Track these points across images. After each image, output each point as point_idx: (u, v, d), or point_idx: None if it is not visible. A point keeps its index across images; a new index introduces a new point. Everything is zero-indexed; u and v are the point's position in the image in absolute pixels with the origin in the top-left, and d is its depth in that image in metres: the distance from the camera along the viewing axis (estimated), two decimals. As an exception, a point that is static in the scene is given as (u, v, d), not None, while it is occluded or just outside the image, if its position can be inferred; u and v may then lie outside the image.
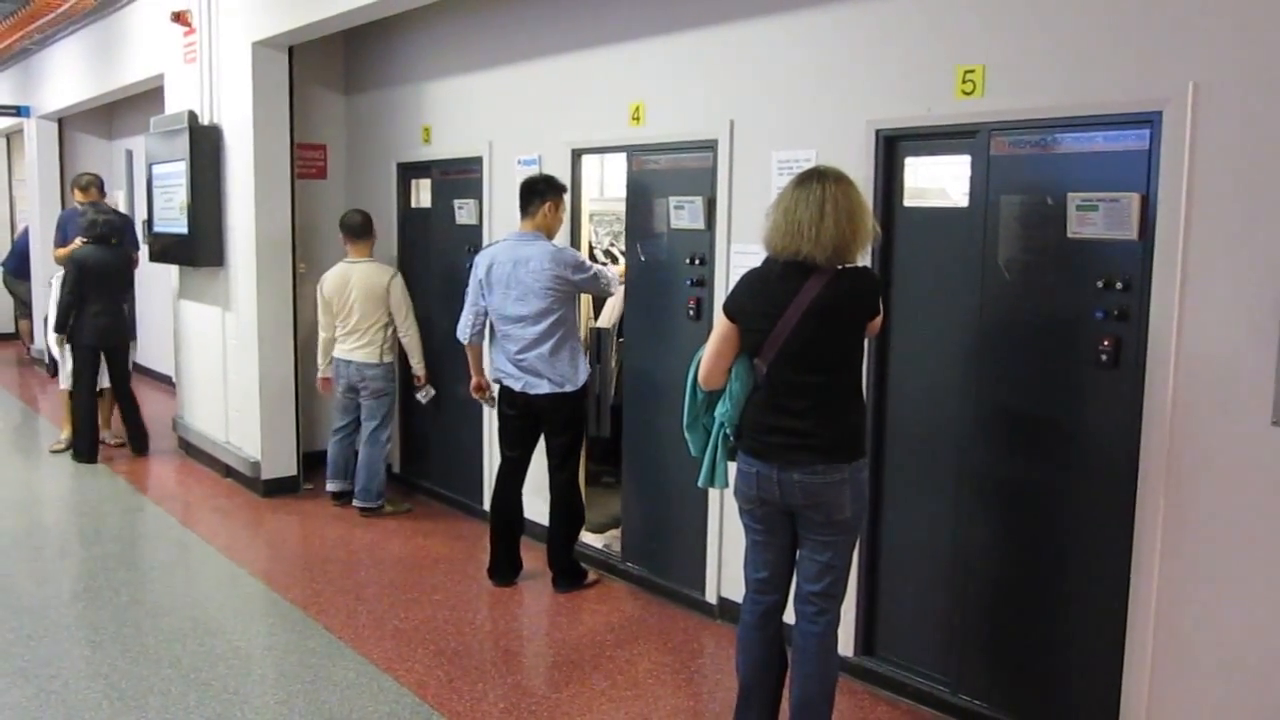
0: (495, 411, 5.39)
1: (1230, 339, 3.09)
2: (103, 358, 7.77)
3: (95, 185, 8.47)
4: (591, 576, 5.32)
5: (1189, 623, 3.23)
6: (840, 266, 3.22)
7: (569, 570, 5.24)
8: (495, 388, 5.29)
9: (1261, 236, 3.00)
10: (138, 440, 8.08)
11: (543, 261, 4.93)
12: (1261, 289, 3.00)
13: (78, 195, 8.54)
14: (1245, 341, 3.05)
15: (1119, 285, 3.33)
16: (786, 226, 3.20)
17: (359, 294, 6.29)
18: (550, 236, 5.06)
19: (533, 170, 5.60)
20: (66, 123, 12.27)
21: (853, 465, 3.28)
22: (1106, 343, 3.36)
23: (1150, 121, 3.21)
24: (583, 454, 5.35)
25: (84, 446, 7.79)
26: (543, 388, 5.00)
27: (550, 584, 5.23)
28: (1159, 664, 3.30)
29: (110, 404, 8.17)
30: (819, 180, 3.21)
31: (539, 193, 5.05)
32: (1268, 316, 2.99)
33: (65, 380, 7.88)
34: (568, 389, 5.01)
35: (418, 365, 6.45)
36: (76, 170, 12.23)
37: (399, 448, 7.11)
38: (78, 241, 7.79)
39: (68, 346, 7.74)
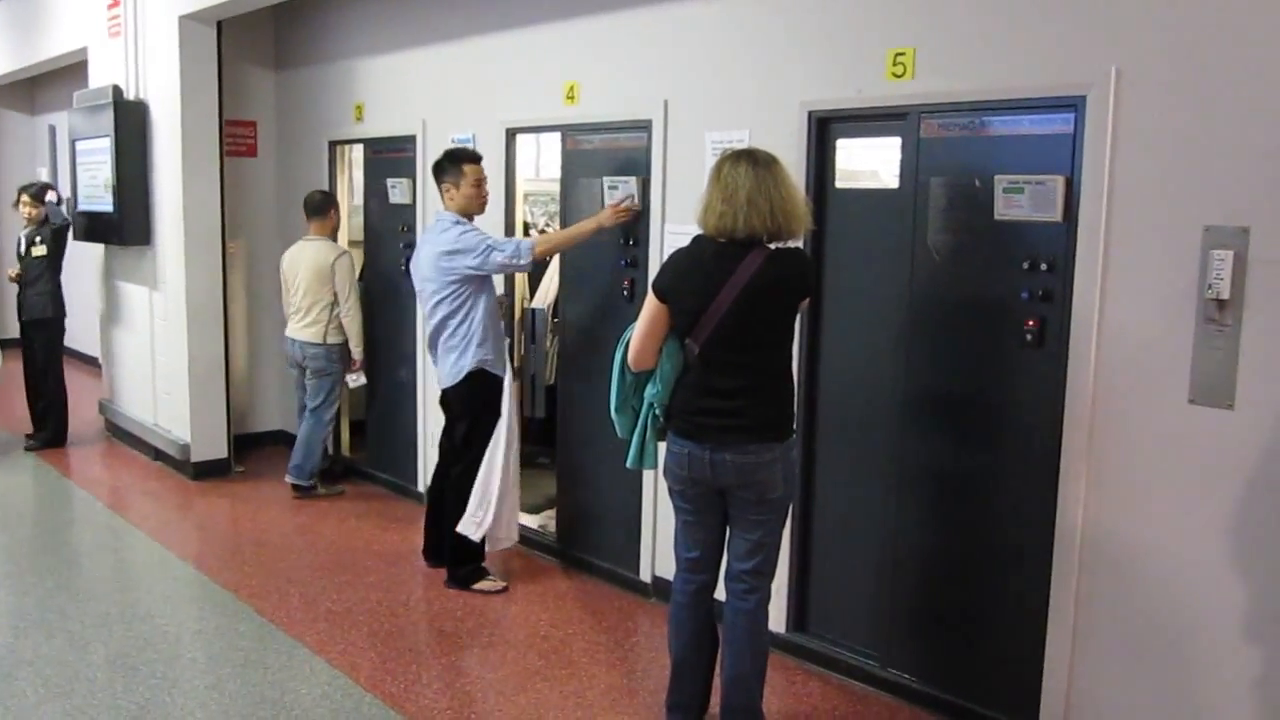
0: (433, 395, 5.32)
1: (1149, 320, 3.16)
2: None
3: None
4: (498, 584, 5.02)
5: (1110, 598, 3.32)
6: (774, 246, 3.23)
7: (462, 567, 5.02)
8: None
9: (1180, 220, 3.07)
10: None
11: (433, 248, 4.79)
12: (1179, 271, 3.08)
13: None
14: (1164, 322, 3.13)
15: (1044, 266, 3.39)
16: (724, 204, 3.18)
17: (305, 272, 6.22)
18: (470, 217, 4.84)
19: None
20: (-14, 97, 11.91)
21: (784, 444, 3.30)
22: (1032, 323, 3.42)
23: (1074, 106, 3.27)
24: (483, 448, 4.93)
25: (59, 431, 7.69)
26: (441, 379, 4.96)
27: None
28: (1080, 640, 3.38)
29: None
30: (750, 159, 3.21)
31: (438, 175, 4.89)
32: (1185, 298, 3.07)
33: None
34: (446, 384, 4.91)
35: (356, 349, 6.37)
36: (-2, 146, 11.94)
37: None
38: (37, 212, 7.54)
39: None
